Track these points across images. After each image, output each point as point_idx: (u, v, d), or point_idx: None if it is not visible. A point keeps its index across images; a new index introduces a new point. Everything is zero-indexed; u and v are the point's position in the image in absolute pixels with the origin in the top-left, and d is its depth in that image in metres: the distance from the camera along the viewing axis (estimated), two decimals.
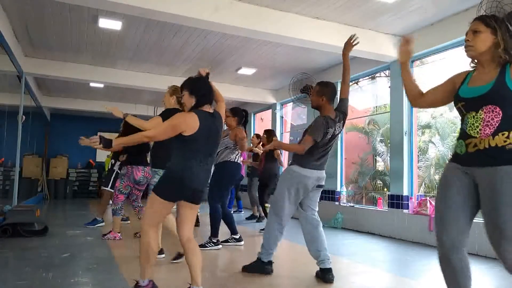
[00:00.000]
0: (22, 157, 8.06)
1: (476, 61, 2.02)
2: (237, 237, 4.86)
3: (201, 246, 4.50)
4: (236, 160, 4.73)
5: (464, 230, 1.93)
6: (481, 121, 1.88)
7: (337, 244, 5.22)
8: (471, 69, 2.07)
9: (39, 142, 11.02)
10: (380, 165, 11.56)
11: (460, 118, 2.03)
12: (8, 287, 2.94)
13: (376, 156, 11.48)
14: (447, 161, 2.09)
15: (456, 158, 2.00)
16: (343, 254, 4.53)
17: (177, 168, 2.55)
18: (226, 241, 4.82)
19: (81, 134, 2.77)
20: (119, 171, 5.88)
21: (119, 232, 5.00)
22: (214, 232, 4.59)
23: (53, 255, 3.98)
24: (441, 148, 10.22)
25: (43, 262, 3.69)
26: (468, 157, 1.92)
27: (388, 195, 6.08)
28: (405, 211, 5.71)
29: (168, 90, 3.94)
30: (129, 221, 6.42)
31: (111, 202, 5.23)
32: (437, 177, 10.49)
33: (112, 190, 5.81)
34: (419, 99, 2.23)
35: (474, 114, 1.91)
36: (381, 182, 11.10)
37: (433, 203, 5.42)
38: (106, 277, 3.27)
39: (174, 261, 3.75)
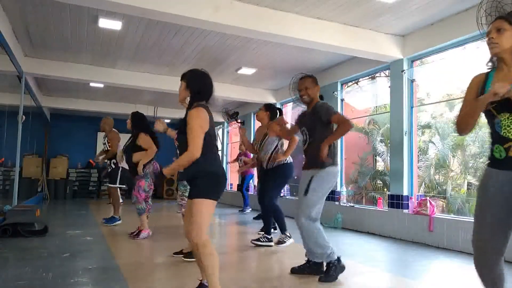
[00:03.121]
0: (22, 157, 8.05)
1: (495, 60, 2.00)
2: (269, 237, 4.83)
3: (279, 243, 4.71)
4: (290, 161, 4.80)
5: (502, 242, 1.87)
6: None
7: (337, 244, 5.19)
8: (488, 69, 2.03)
9: (39, 142, 11.01)
10: (380, 165, 11.57)
11: (488, 121, 1.95)
12: (8, 287, 2.93)
13: (376, 156, 11.49)
14: (486, 166, 1.98)
15: (495, 163, 1.92)
16: (343, 254, 4.47)
17: (214, 165, 2.57)
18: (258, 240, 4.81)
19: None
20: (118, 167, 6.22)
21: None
22: (283, 227, 4.79)
23: (53, 255, 3.98)
24: (441, 148, 10.21)
25: (43, 262, 3.70)
26: (510, 161, 1.84)
27: (388, 195, 6.08)
28: (405, 211, 5.71)
29: None
30: (120, 221, 6.33)
31: (120, 200, 5.50)
32: (437, 177, 10.49)
33: (122, 186, 6.20)
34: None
35: (508, 115, 1.85)
36: (381, 182, 11.10)
37: (433, 203, 5.44)
38: (106, 277, 3.27)
39: (176, 255, 3.87)
